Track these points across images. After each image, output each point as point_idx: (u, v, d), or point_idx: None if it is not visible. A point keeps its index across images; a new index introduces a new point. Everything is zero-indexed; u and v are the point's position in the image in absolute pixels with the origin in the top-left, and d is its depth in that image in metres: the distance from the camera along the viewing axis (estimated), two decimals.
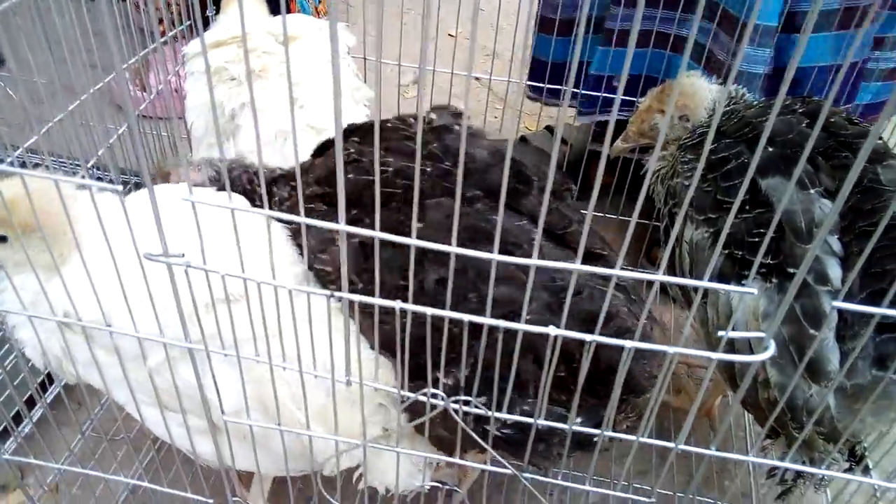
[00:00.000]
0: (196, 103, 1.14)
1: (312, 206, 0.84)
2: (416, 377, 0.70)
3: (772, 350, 0.54)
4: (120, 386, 0.77)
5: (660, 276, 0.51)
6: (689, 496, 1.12)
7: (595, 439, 0.73)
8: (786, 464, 0.78)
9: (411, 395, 0.69)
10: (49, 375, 1.10)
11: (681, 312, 1.40)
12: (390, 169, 0.82)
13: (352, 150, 0.86)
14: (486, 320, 0.54)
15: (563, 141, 1.76)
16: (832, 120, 0.97)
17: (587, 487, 0.71)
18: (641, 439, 0.63)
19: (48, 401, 1.10)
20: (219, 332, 0.68)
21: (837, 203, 0.47)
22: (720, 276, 0.97)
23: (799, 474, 0.92)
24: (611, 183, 1.46)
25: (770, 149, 0.95)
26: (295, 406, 0.77)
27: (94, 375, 0.77)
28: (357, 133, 0.90)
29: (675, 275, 1.07)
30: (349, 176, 0.82)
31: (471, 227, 0.77)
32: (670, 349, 0.54)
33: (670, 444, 0.62)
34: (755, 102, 1.10)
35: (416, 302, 0.56)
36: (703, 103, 1.11)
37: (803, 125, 0.97)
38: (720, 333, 0.55)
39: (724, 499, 1.14)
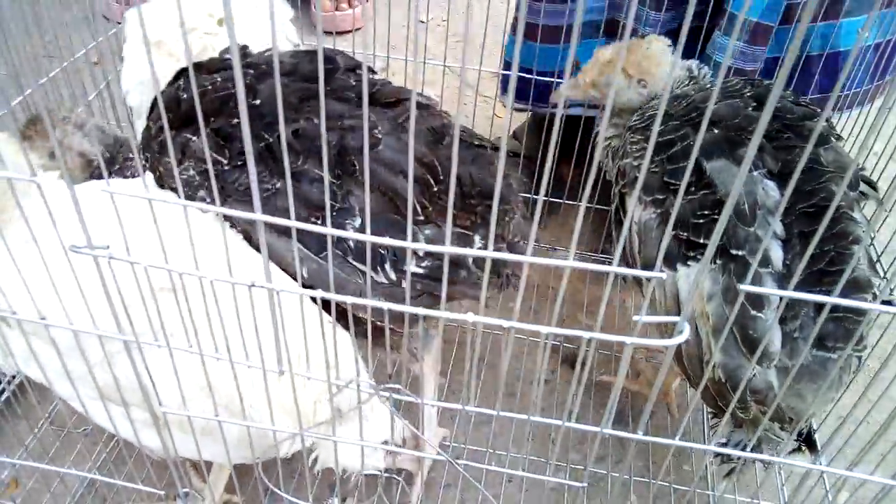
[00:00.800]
0: (132, 74, 1.14)
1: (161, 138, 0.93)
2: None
3: (686, 334, 0.55)
4: (62, 380, 0.77)
5: (614, 268, 0.51)
6: (651, 482, 1.13)
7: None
8: (739, 452, 0.79)
9: (341, 382, 0.69)
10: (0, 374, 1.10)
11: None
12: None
13: (180, 83, 0.96)
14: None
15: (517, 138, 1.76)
16: (778, 104, 0.97)
17: (522, 473, 0.72)
18: (606, 431, 0.63)
19: (4, 396, 1.10)
20: (150, 324, 0.68)
21: (788, 191, 0.48)
22: (666, 257, 0.97)
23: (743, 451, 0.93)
24: (577, 177, 1.45)
25: (715, 131, 0.95)
26: (249, 386, 0.77)
27: (34, 369, 0.77)
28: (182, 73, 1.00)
29: (626, 261, 1.08)
30: (185, 97, 0.92)
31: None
32: (588, 335, 0.55)
33: (634, 436, 0.62)
34: (708, 86, 1.10)
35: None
36: (664, 75, 1.09)
37: (749, 109, 0.97)
38: (635, 318, 0.56)
39: (682, 483, 1.15)
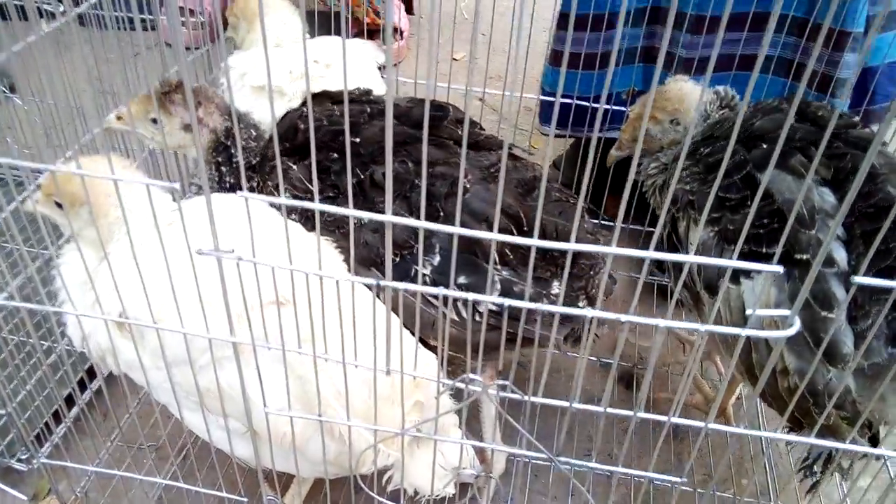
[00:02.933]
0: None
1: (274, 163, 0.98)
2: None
3: (797, 326, 0.57)
4: (164, 388, 0.79)
5: (650, 253, 0.54)
6: (710, 493, 1.14)
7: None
8: (812, 440, 0.79)
9: (450, 381, 0.71)
10: (80, 382, 1.11)
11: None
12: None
13: (304, 110, 1.04)
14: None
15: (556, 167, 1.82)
16: (820, 114, 1.03)
17: (619, 469, 0.73)
18: (640, 415, 0.64)
19: (77, 411, 1.10)
20: (264, 329, 0.70)
21: (851, 195, 0.51)
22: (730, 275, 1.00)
23: (826, 464, 0.94)
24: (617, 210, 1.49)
25: (763, 146, 1.00)
26: (338, 403, 0.79)
27: (137, 373, 0.79)
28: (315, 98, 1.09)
29: (684, 284, 1.11)
30: (302, 127, 1.00)
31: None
32: (661, 322, 0.58)
33: (664, 418, 0.64)
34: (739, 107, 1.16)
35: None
36: (693, 105, 1.15)
37: (792, 122, 1.03)
38: (748, 311, 0.58)
39: (744, 494, 1.15)
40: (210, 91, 0.99)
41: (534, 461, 1.17)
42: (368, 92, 1.08)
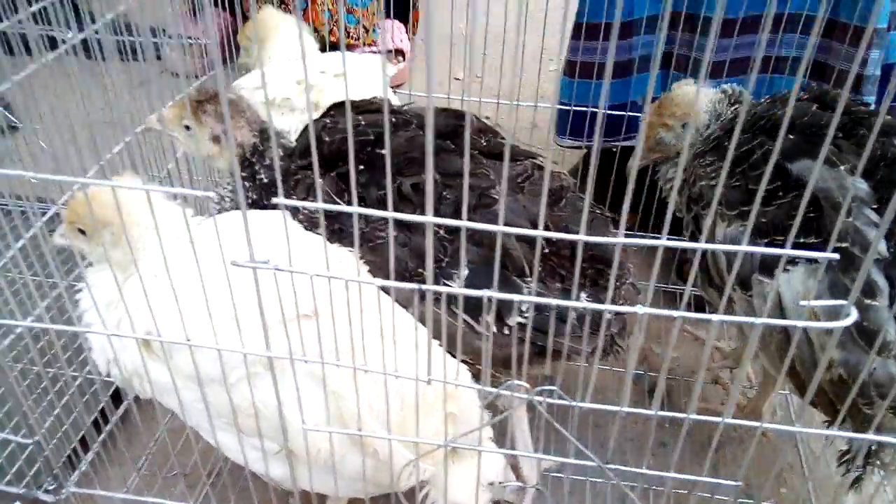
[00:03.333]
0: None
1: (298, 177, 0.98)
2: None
3: (854, 315, 0.55)
4: (196, 409, 0.77)
5: (663, 242, 0.53)
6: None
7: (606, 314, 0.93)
8: (867, 435, 0.77)
9: (494, 390, 0.69)
10: (102, 412, 1.08)
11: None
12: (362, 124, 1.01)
13: (327, 121, 1.02)
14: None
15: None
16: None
17: (671, 474, 0.71)
18: (659, 413, 0.62)
19: (104, 436, 1.08)
20: (301, 342, 0.68)
21: None
22: (762, 269, 0.99)
23: (868, 459, 0.91)
24: (635, 222, 1.48)
25: (791, 136, 0.99)
26: (371, 418, 0.77)
27: (168, 397, 0.77)
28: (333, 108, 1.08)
29: (711, 283, 1.09)
30: (326, 139, 0.99)
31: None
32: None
33: (682, 415, 0.62)
34: (760, 101, 1.14)
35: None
36: (702, 107, 1.14)
37: (814, 108, 1.01)
38: (802, 303, 0.56)
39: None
40: (243, 105, 0.98)
41: (571, 476, 1.13)
42: (388, 102, 1.07)
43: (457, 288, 0.62)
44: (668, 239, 0.52)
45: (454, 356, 0.86)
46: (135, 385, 0.80)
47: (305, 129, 1.06)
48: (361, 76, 1.25)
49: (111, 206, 0.69)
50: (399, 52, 2.38)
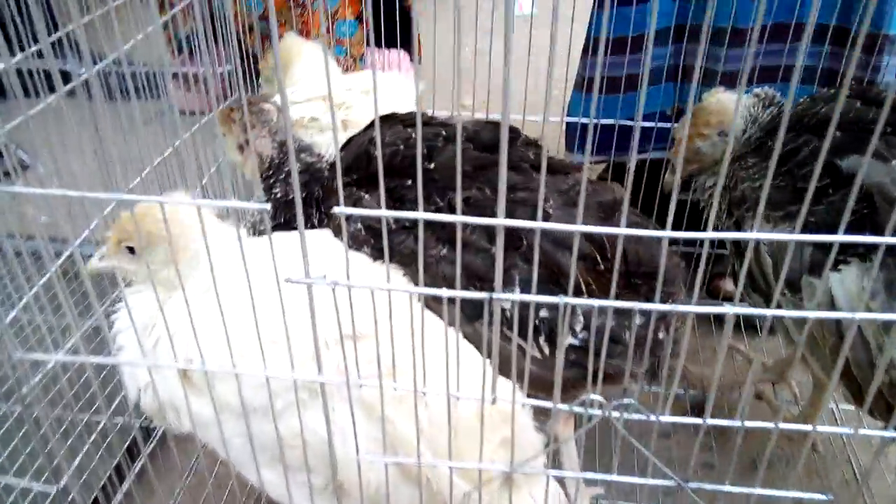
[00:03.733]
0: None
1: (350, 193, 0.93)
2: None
3: None
4: (234, 443, 0.71)
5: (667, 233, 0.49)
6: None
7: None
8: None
9: (567, 407, 0.64)
10: (129, 451, 1.02)
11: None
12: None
13: (373, 135, 0.99)
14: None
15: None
16: (885, 96, 1.00)
17: (758, 490, 0.66)
18: (709, 422, 0.58)
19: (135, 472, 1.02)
20: (356, 365, 0.63)
21: None
22: (811, 270, 0.95)
23: None
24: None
25: (837, 133, 0.96)
26: (426, 446, 0.71)
27: (207, 430, 0.71)
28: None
29: (755, 287, 1.06)
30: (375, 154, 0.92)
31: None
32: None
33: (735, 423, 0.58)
34: (799, 101, 1.13)
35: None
36: (732, 115, 1.12)
37: (857, 105, 1.00)
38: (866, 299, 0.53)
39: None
40: (268, 116, 0.95)
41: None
42: (432, 117, 1.03)
43: (527, 296, 0.58)
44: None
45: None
46: (169, 418, 0.74)
47: (348, 142, 1.02)
48: (389, 93, 1.22)
49: (163, 222, 0.65)
50: None
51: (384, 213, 0.56)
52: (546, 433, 0.83)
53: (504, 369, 0.87)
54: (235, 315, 0.63)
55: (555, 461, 1.09)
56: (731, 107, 1.13)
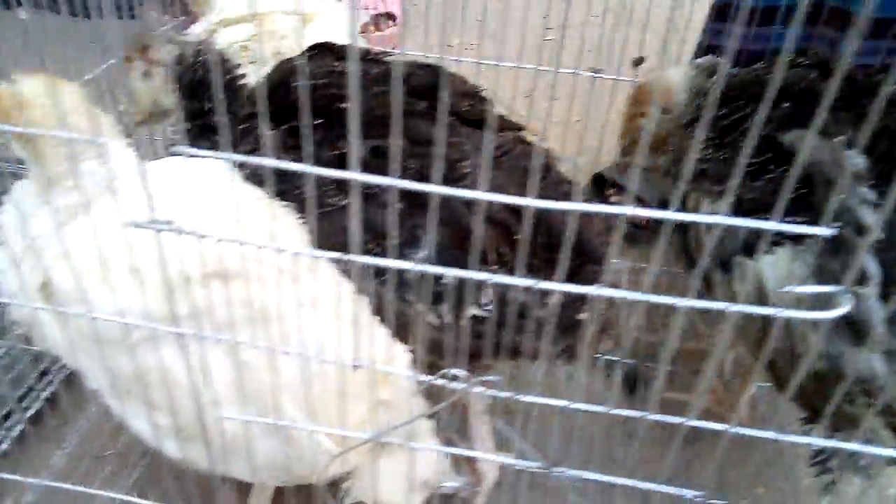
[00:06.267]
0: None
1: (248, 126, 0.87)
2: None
3: (847, 307, 0.49)
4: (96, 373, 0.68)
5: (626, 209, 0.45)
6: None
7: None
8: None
9: (428, 377, 0.61)
10: (30, 388, 1.01)
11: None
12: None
13: (299, 63, 0.90)
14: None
15: None
16: (848, 70, 0.92)
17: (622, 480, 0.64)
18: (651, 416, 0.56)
19: (28, 416, 1.01)
20: (208, 312, 0.60)
21: None
22: (745, 248, 0.91)
23: (843, 462, 0.85)
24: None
25: (787, 105, 0.90)
26: (288, 399, 0.68)
27: (78, 357, 0.69)
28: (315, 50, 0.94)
29: (692, 263, 1.01)
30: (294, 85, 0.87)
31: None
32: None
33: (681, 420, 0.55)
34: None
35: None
36: (678, 87, 1.05)
37: (813, 75, 0.92)
38: (787, 288, 0.50)
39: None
40: (156, 39, 0.89)
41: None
42: (368, 51, 0.95)
43: (418, 264, 0.53)
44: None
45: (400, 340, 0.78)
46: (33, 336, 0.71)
47: (279, 65, 0.94)
48: (332, 22, 1.13)
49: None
50: (390, 16, 2.26)
51: (231, 156, 0.52)
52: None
53: (402, 333, 0.84)
54: (100, 238, 0.59)
55: (463, 433, 1.07)
56: (673, 80, 1.05)
